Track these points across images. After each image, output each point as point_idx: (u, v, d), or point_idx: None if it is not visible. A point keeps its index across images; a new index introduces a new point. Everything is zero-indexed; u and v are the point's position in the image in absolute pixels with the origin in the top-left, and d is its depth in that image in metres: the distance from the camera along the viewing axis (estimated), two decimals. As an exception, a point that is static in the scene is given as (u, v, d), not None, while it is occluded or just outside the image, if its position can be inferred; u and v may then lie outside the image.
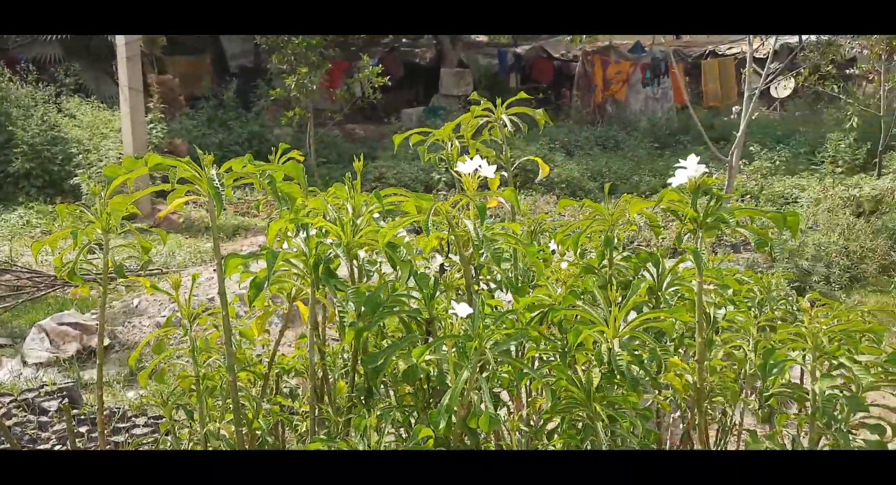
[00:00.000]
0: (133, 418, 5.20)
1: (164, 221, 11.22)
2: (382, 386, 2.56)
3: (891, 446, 2.05)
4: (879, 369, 1.94)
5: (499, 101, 2.70)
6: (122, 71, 10.17)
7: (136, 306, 8.06)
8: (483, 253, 1.96)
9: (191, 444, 2.66)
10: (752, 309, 3.21)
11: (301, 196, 2.06)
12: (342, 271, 2.29)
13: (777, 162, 12.41)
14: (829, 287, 7.94)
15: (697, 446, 2.06)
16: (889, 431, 1.98)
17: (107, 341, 7.23)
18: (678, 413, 2.96)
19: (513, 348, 2.10)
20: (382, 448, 1.81)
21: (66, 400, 5.44)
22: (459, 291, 2.39)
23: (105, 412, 5.20)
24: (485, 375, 1.96)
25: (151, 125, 12.06)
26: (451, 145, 2.73)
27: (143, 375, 2.45)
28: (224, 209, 1.94)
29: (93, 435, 4.94)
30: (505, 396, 2.48)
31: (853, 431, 2.01)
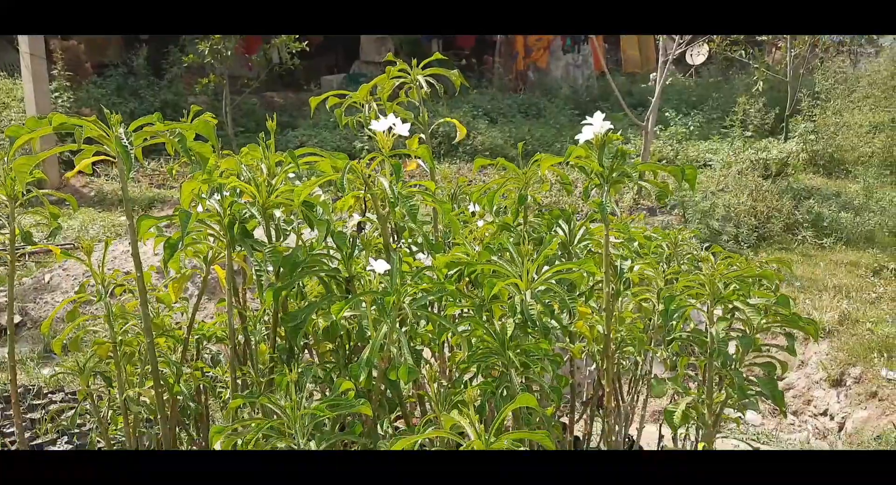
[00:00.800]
0: (49, 395, 5.07)
1: (75, 194, 10.81)
2: (304, 349, 2.59)
3: (781, 384, 2.21)
4: (770, 311, 2.08)
5: (414, 62, 2.72)
6: (23, 37, 9.65)
7: (48, 282, 7.77)
8: (398, 210, 2.00)
9: (110, 412, 2.63)
10: (661, 264, 3.37)
11: (213, 156, 2.04)
12: (259, 233, 2.29)
13: (691, 127, 12.81)
14: (739, 246, 8.34)
15: (606, 387, 2.17)
16: (779, 368, 2.13)
17: (17, 319, 6.96)
18: (594, 366, 3.09)
19: (432, 304, 2.15)
20: (304, 404, 1.84)
21: (-23, 379, 5.24)
22: (380, 252, 2.43)
23: (19, 390, 5.04)
24: (403, 329, 2.01)
25: (56, 94, 11.52)
26: (368, 108, 2.73)
27: (57, 342, 2.40)
28: (134, 168, 1.91)
29: (7, 413, 4.79)
30: (428, 353, 2.55)
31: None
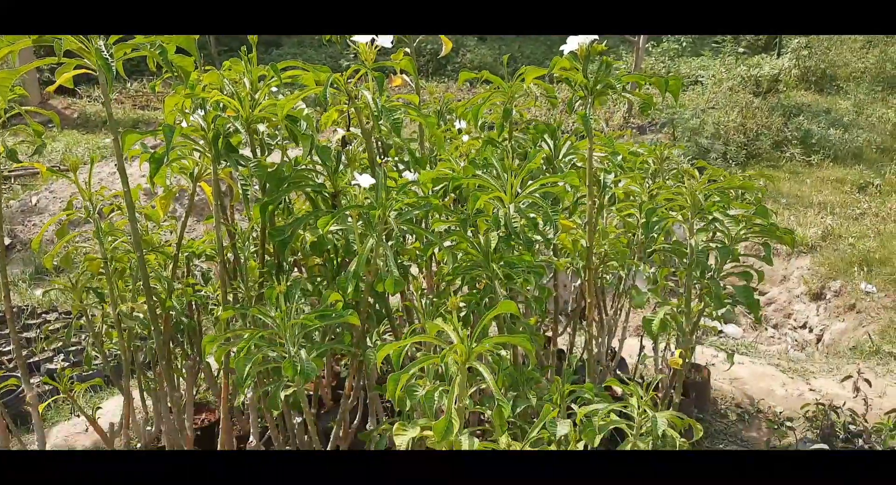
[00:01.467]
0: (43, 315, 5.14)
1: (60, 115, 10.62)
2: (293, 265, 2.63)
3: (762, 299, 2.27)
4: (748, 221, 2.12)
5: (397, -28, 2.65)
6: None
7: (35, 205, 7.75)
8: (382, 124, 2.00)
9: (104, 327, 2.69)
10: (646, 180, 3.39)
11: (194, 70, 2.02)
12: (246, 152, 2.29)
13: (683, 43, 12.60)
14: (727, 163, 8.35)
15: (588, 299, 2.23)
16: (755, 277, 2.19)
17: (7, 241, 6.98)
18: (578, 281, 3.16)
19: (418, 219, 2.18)
20: (293, 315, 1.88)
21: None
22: (365, 167, 2.44)
23: (13, 310, 5.11)
24: (389, 243, 2.04)
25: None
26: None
27: (48, 258, 2.43)
28: (116, 88, 1.89)
29: (3, 332, 4.87)
30: (415, 271, 2.59)
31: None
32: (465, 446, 1.45)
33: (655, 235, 2.15)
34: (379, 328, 2.51)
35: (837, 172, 8.04)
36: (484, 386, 1.59)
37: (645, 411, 1.75)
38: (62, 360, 4.42)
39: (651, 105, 1.97)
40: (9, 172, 8.60)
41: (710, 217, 2.08)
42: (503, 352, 1.41)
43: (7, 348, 4.62)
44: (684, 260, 2.21)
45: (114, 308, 2.50)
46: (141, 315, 2.57)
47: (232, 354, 2.07)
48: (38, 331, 4.88)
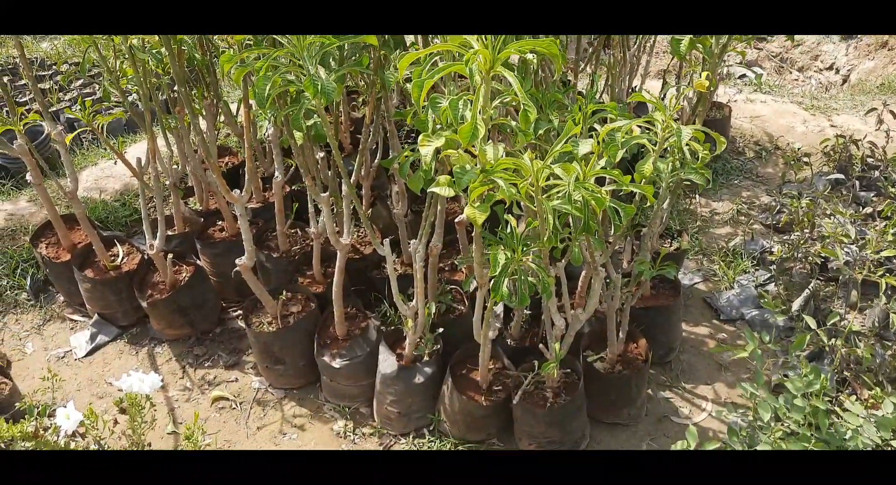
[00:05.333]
0: (52, 66, 5.06)
1: None
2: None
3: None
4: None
5: None
6: None
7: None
8: None
9: (118, 62, 2.63)
10: None
11: None
12: None
13: None
14: None
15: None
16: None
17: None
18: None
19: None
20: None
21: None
22: None
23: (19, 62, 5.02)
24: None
25: None
26: None
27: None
28: None
29: (18, 84, 4.84)
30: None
31: None
32: (490, 155, 1.47)
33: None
34: (396, 51, 2.44)
35: None
36: (508, 98, 1.57)
37: (669, 124, 1.74)
38: (78, 110, 4.42)
39: None
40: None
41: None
42: (529, 55, 1.37)
43: (24, 100, 4.62)
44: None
45: (125, 40, 2.43)
46: (153, 50, 2.51)
47: (252, 80, 2.04)
48: (53, 82, 4.84)
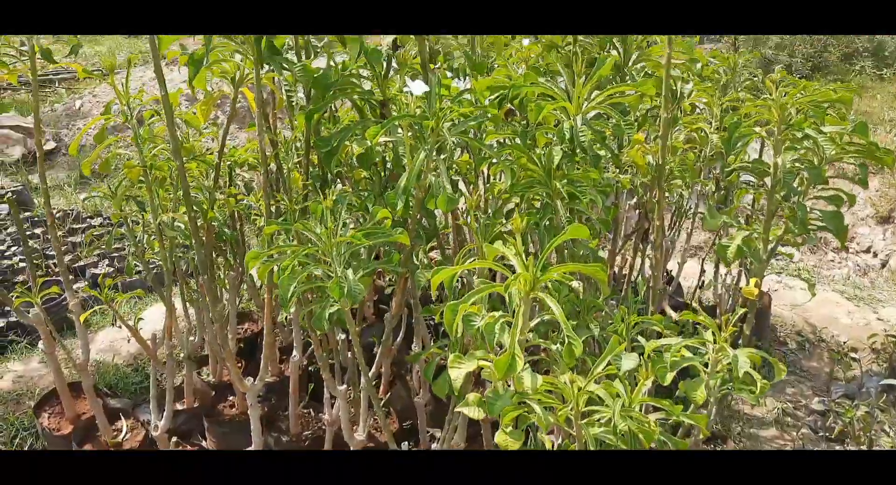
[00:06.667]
0: (88, 219, 5.14)
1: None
2: (338, 177, 2.49)
3: (847, 217, 2.07)
4: (844, 139, 1.90)
5: None
6: None
7: (79, 108, 7.69)
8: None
9: (145, 236, 2.61)
10: (717, 91, 3.14)
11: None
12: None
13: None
14: (792, 76, 7.87)
15: (656, 222, 2.06)
16: (846, 201, 1.99)
17: (52, 145, 6.96)
18: (634, 199, 2.97)
19: (471, 130, 2.01)
20: (340, 232, 1.76)
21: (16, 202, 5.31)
22: (416, 73, 2.25)
23: (58, 214, 5.11)
24: (442, 156, 1.88)
25: None
26: None
27: (86, 164, 2.33)
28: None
29: (49, 236, 4.89)
30: (462, 187, 2.43)
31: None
32: (528, 384, 1.33)
33: (736, 152, 1.95)
34: (425, 246, 2.39)
35: (912, 88, 7.53)
36: (548, 317, 1.46)
37: (723, 349, 1.61)
38: (107, 265, 4.42)
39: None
40: (48, 73, 8.52)
41: (801, 134, 1.87)
42: (575, 283, 1.27)
43: (52, 252, 4.64)
44: (765, 180, 2.01)
45: (154, 218, 2.41)
46: (182, 225, 2.48)
47: (276, 270, 1.97)
48: (83, 235, 4.88)
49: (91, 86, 8.43)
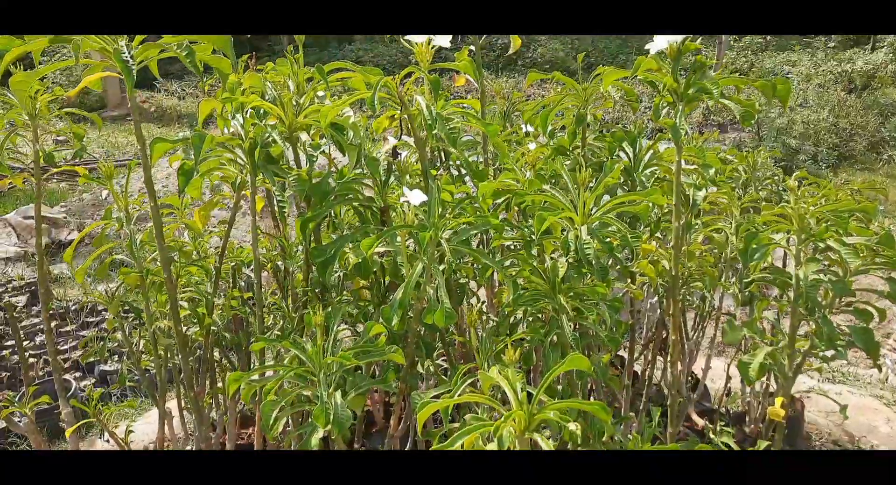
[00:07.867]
0: (103, 312, 5.10)
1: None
2: (342, 280, 2.41)
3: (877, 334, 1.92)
4: (869, 250, 1.78)
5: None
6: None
7: (105, 198, 7.82)
8: (437, 134, 1.74)
9: (142, 342, 2.53)
10: (736, 190, 3.04)
11: (231, 72, 1.81)
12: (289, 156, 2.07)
13: (768, 37, 11.93)
14: (817, 166, 7.78)
15: (672, 336, 1.93)
16: (876, 316, 1.85)
17: (76, 235, 7.04)
18: (655, 298, 2.84)
19: (473, 239, 1.92)
20: (331, 349, 1.66)
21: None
22: (418, 180, 2.20)
23: (74, 307, 5.09)
24: (441, 267, 1.79)
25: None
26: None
27: (79, 272, 2.28)
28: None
29: (63, 329, 4.85)
30: (473, 285, 2.34)
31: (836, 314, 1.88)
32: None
33: (755, 262, 1.84)
34: (433, 355, 2.27)
35: (942, 177, 7.39)
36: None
37: None
38: (116, 361, 4.34)
39: (753, 115, 1.65)
40: (76, 163, 8.74)
41: (823, 245, 1.75)
42: (573, 426, 1.14)
43: (65, 347, 4.58)
44: (787, 292, 1.88)
45: (149, 324, 2.33)
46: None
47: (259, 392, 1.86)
48: (97, 330, 4.83)
49: (119, 174, 8.60)
